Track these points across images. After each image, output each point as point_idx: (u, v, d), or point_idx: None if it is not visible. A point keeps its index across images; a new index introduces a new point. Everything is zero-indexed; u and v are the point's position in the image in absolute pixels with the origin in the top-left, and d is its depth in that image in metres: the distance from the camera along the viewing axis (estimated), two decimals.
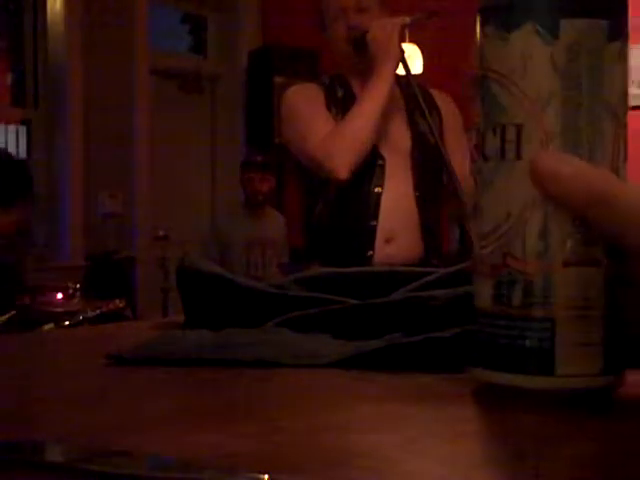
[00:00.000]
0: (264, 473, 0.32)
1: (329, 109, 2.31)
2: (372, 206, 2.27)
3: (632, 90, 4.35)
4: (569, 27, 0.44)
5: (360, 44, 2.26)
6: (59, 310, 2.83)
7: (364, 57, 2.26)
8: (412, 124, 2.34)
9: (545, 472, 0.35)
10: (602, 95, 0.45)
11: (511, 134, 0.45)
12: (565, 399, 0.44)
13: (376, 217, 2.26)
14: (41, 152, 5.01)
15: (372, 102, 2.22)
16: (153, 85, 5.39)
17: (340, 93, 2.35)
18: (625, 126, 0.46)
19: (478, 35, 0.47)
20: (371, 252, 2.25)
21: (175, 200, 5.57)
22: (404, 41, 2.35)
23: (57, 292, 3.02)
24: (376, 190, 2.26)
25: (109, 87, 5.00)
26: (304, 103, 2.33)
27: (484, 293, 0.46)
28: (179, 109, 5.69)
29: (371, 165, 2.26)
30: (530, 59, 0.45)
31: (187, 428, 0.42)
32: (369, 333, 0.62)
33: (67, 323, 2.61)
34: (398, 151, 2.28)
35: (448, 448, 0.38)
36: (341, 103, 2.32)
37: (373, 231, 2.26)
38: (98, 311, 2.74)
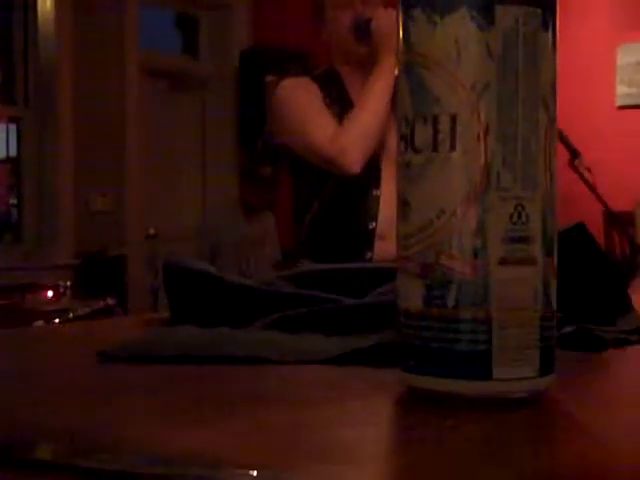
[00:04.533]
0: (251, 469, 0.33)
1: (326, 105, 2.30)
2: (369, 207, 2.26)
3: (622, 89, 4.36)
4: (505, 13, 0.43)
5: (363, 32, 2.25)
6: (49, 308, 2.82)
7: (365, 46, 2.25)
8: None
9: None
10: (537, 85, 0.43)
11: (445, 124, 0.43)
12: (502, 403, 0.43)
13: (374, 218, 2.25)
14: (31, 150, 5.00)
15: (378, 94, 2.21)
16: (144, 84, 5.37)
17: (334, 90, 2.33)
18: (555, 120, 0.44)
19: (401, 17, 0.45)
20: (370, 254, 2.24)
21: (166, 199, 5.57)
22: None
23: (48, 290, 3.02)
24: (375, 193, 2.25)
25: (100, 86, 4.99)
26: (303, 98, 2.31)
27: (413, 294, 0.44)
28: (170, 109, 5.68)
29: (368, 166, 2.25)
30: (465, 46, 0.43)
31: (174, 424, 0.42)
32: (359, 332, 0.62)
33: (57, 321, 2.60)
34: (391, 151, 2.27)
35: (434, 443, 0.38)
36: (337, 100, 2.31)
37: (372, 232, 2.25)
38: (88, 309, 2.74)
